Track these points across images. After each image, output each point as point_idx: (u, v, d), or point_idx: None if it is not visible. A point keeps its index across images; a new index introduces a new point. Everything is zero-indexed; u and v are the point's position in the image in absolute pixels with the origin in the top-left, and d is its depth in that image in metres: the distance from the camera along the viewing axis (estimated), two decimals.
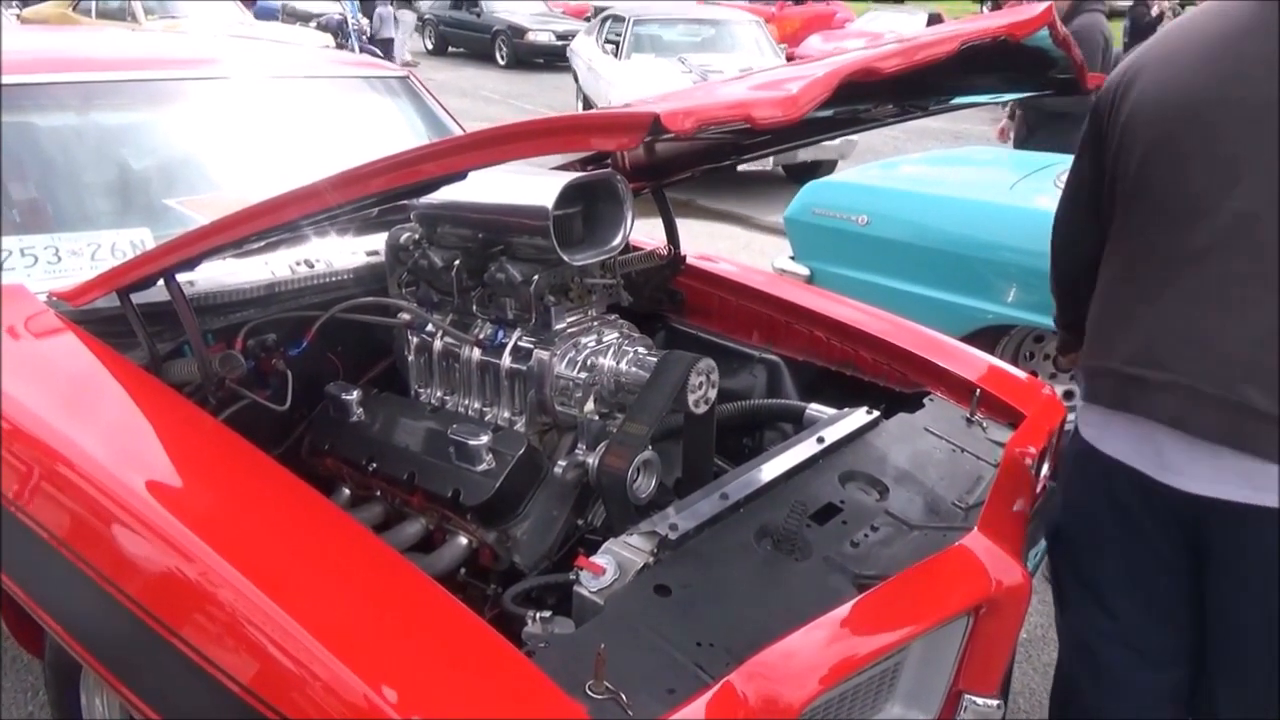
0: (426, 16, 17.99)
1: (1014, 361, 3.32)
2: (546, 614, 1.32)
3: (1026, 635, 2.59)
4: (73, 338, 1.69)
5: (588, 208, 1.87)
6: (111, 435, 1.51)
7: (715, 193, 7.61)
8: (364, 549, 1.34)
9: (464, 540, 1.76)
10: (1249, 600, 1.40)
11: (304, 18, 15.78)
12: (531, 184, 1.77)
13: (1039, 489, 2.14)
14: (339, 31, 14.43)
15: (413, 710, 1.06)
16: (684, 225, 2.56)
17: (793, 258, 3.78)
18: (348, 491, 1.95)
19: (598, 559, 1.40)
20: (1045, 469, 2.13)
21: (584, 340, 1.85)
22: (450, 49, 18.04)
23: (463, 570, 1.77)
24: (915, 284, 3.43)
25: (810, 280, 3.62)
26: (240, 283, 1.93)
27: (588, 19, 17.18)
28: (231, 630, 1.20)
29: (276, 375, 1.88)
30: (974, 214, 3.40)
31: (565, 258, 1.72)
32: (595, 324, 1.91)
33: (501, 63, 16.53)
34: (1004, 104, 4.72)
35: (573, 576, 1.40)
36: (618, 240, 1.85)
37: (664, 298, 2.52)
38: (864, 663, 1.32)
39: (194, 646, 1.21)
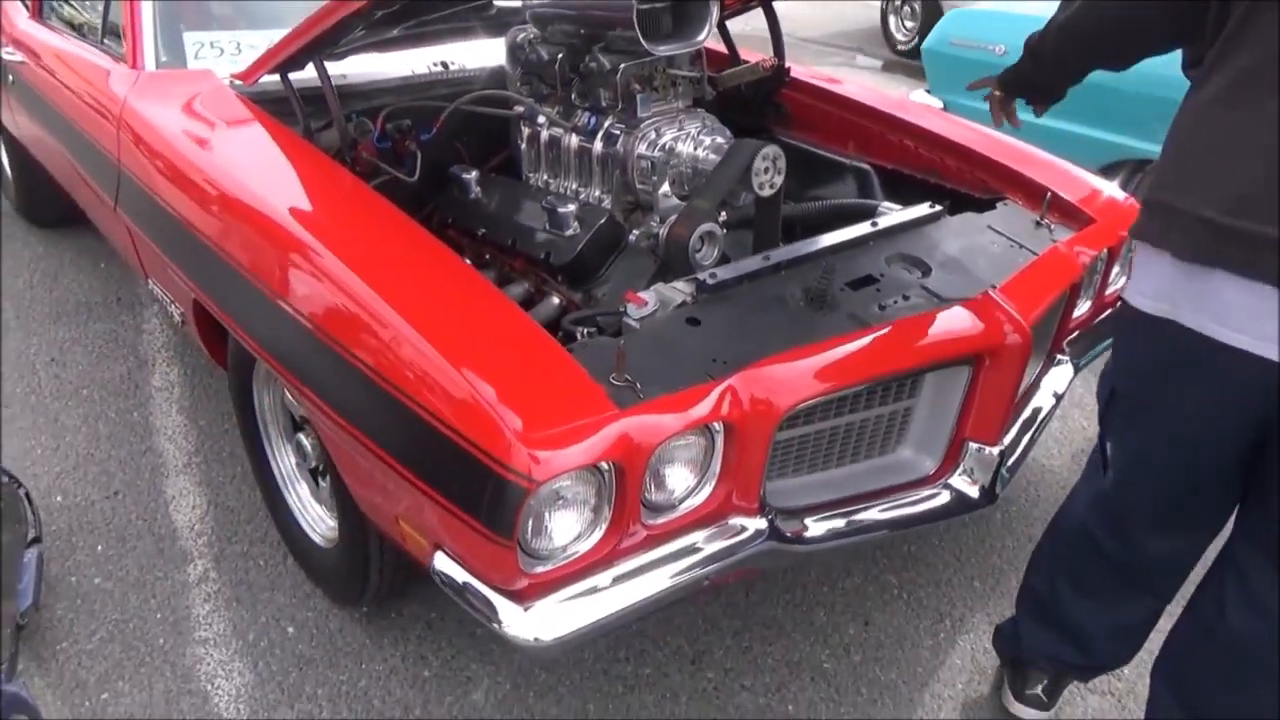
0: None
1: None
2: (592, 330, 1.60)
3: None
4: (241, 108, 2.06)
5: (676, 4, 2.04)
6: (276, 183, 1.86)
7: None
8: (471, 283, 1.61)
9: (556, 300, 2.04)
10: None
11: None
12: None
13: (1110, 295, 2.21)
14: None
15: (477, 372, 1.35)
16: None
17: (929, 90, 3.77)
18: (467, 260, 2.28)
19: (642, 294, 1.66)
20: (1118, 271, 2.19)
21: (666, 128, 2.06)
22: None
23: None
24: (1049, 117, 3.36)
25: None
26: (382, 75, 2.26)
27: None
28: (351, 317, 1.53)
29: (409, 155, 2.20)
30: None
31: (648, 47, 1.92)
32: (680, 115, 2.11)
33: None
34: None
35: (621, 309, 1.66)
36: (702, 35, 2.02)
37: (769, 110, 2.67)
38: (847, 384, 1.53)
39: (319, 325, 1.56)
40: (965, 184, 2.31)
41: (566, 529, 1.37)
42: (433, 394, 1.36)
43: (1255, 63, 1.22)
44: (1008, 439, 1.77)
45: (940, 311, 1.64)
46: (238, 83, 2.14)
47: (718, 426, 1.45)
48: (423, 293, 1.55)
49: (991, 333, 1.63)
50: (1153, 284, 1.35)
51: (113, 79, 2.28)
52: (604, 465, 1.34)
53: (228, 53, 2.30)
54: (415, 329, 1.42)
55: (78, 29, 2.75)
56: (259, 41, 2.33)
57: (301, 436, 1.95)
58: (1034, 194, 2.19)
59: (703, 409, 1.41)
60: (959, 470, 1.74)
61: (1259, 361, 1.24)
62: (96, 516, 2.26)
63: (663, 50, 1.97)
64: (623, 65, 2.01)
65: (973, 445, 1.73)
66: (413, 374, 1.39)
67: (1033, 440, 1.88)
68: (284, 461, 2.07)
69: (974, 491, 1.74)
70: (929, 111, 2.61)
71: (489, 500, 1.28)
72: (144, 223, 2.12)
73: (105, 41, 2.45)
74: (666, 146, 2.03)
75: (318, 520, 2.03)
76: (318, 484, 2.02)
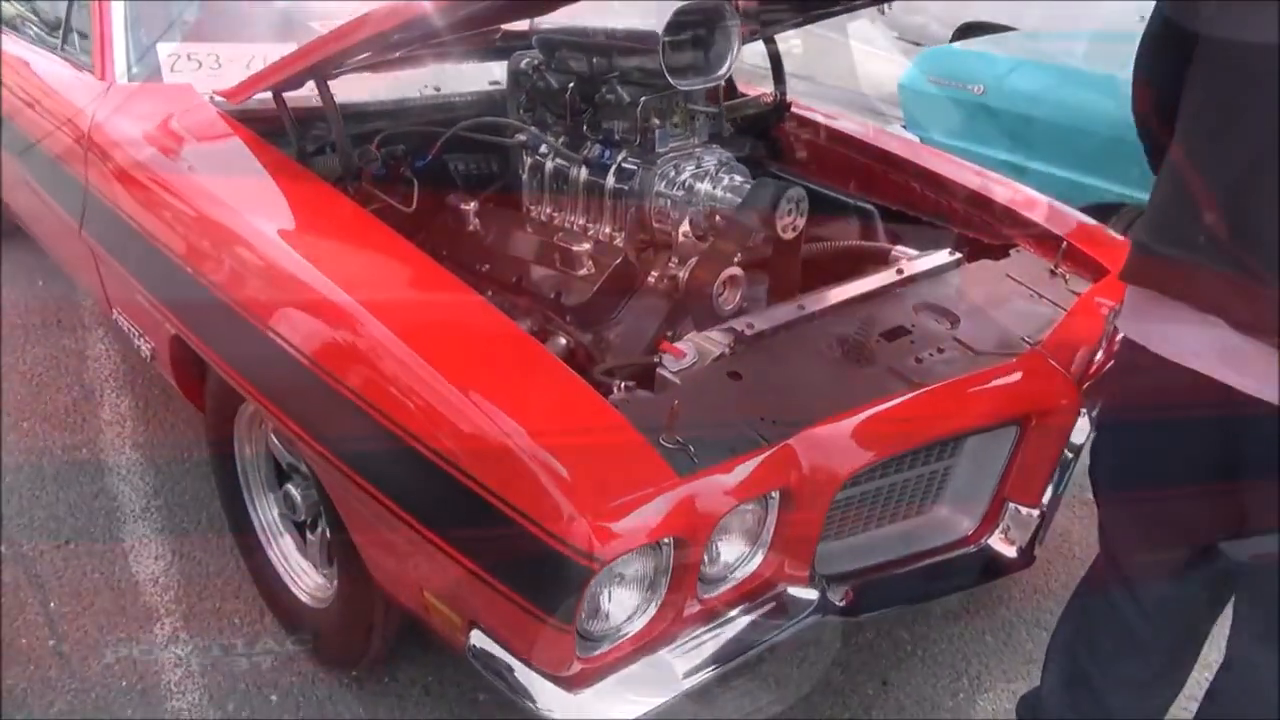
0: None
1: None
2: (631, 383, 1.50)
3: None
4: (227, 127, 1.90)
5: (698, 38, 1.96)
6: (276, 211, 1.72)
7: None
8: (489, 318, 1.50)
9: (563, 341, 1.93)
10: None
11: None
12: (646, 12, 1.87)
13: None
14: None
15: (523, 429, 1.24)
16: None
17: (904, 126, 3.77)
18: None
19: (679, 345, 1.56)
20: None
21: (684, 164, 1.97)
22: None
23: None
24: (1025, 157, 3.40)
25: None
26: (373, 98, 2.12)
27: None
28: (353, 350, 1.40)
29: (404, 182, 2.07)
30: (1096, 86, 3.32)
31: (672, 81, 1.83)
32: (696, 151, 2.03)
33: None
34: None
35: (656, 360, 1.56)
36: (724, 69, 1.95)
37: (767, 144, 2.60)
38: (907, 447, 1.46)
39: (332, 373, 1.42)
40: (973, 228, 2.28)
41: (622, 608, 1.26)
42: (476, 457, 1.24)
43: (1185, 122, 1.29)
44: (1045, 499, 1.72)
45: (993, 370, 1.58)
46: (220, 99, 1.97)
47: (774, 493, 1.36)
48: (454, 339, 1.43)
49: (1045, 393, 1.58)
50: (1128, 310, 1.39)
51: (77, 91, 2.10)
52: (665, 540, 1.24)
53: (206, 66, 2.14)
54: (454, 385, 1.30)
55: (15, 27, 2.54)
56: (239, 56, 2.17)
57: (290, 487, 1.80)
58: (1042, 240, 2.17)
59: (765, 475, 1.32)
60: (997, 531, 1.69)
61: (1215, 384, 1.24)
62: (47, 569, 2.06)
63: (686, 84, 1.89)
64: (643, 98, 1.92)
65: (1012, 506, 1.68)
66: (450, 435, 1.27)
67: (1059, 495, 1.84)
68: (266, 513, 1.91)
69: (1011, 552, 1.69)
70: (928, 150, 2.59)
71: (546, 580, 1.17)
72: (115, 249, 1.94)
73: (65, 48, 2.25)
74: (686, 184, 1.95)
75: (303, 576, 1.87)
76: (305, 538, 1.87)
